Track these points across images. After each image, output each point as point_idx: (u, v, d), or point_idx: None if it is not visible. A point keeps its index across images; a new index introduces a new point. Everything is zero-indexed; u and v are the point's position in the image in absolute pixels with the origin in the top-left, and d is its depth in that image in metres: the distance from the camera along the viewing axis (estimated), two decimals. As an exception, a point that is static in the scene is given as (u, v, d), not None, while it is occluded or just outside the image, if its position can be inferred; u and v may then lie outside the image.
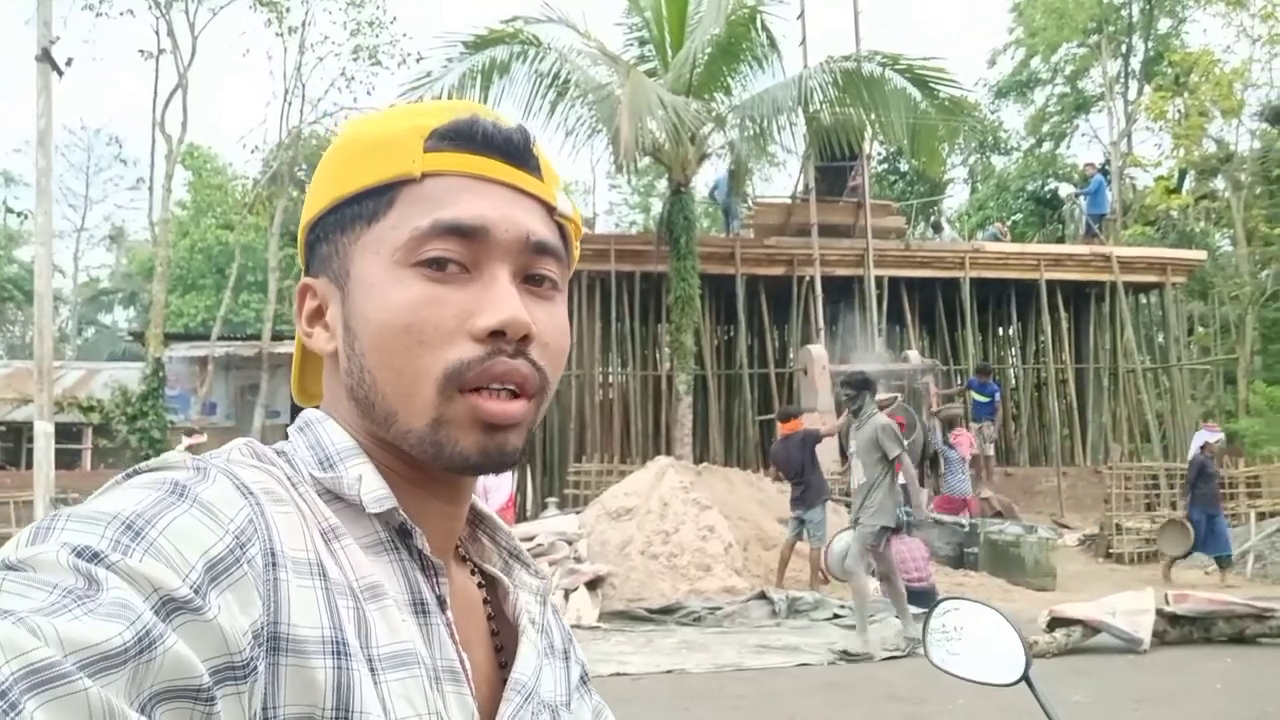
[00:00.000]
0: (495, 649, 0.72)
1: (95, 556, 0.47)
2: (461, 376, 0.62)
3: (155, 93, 19.21)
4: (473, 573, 0.75)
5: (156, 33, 19.08)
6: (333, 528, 0.61)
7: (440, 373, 0.62)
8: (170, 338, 18.53)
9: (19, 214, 19.06)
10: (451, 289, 0.63)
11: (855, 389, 7.62)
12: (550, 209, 0.69)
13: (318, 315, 0.70)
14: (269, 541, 0.55)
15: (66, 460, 16.53)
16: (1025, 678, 1.30)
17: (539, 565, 0.79)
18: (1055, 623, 7.18)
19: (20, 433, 18.17)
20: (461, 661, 0.64)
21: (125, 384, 16.82)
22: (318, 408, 0.71)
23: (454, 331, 0.63)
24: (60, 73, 9.79)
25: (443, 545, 0.70)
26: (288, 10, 19.91)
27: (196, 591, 0.48)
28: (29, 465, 10.97)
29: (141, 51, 19.53)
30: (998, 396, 15.21)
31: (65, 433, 15.98)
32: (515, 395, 0.64)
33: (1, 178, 33.10)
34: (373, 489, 0.64)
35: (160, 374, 16.64)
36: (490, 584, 0.76)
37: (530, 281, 0.67)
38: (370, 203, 0.66)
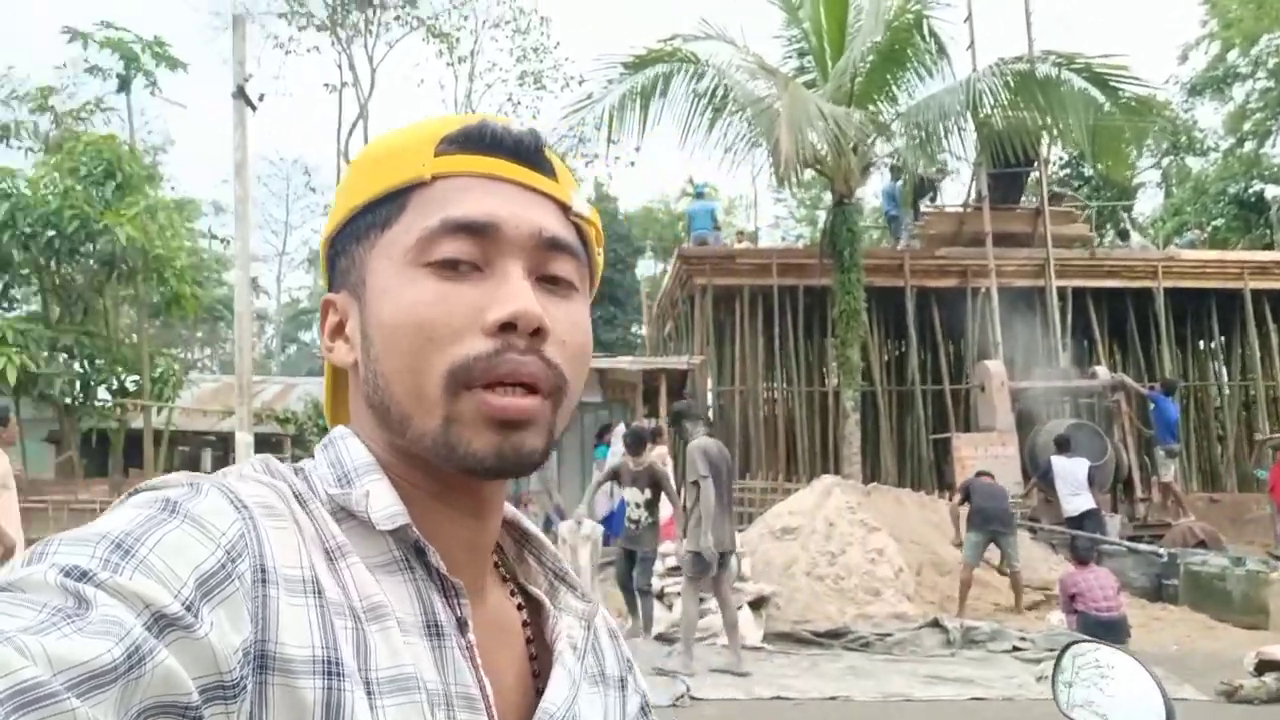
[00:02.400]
0: (533, 674, 0.70)
1: (84, 575, 0.47)
2: (468, 372, 0.61)
3: (339, 123, 20.40)
4: (513, 594, 0.73)
5: (339, 67, 20.28)
6: (339, 546, 0.60)
7: (446, 368, 0.61)
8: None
9: (222, 240, 20.61)
10: (463, 286, 0.63)
11: (673, 421, 8.10)
12: (565, 208, 0.68)
13: (339, 330, 0.69)
14: (260, 557, 0.54)
15: (265, 470, 17.72)
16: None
17: (585, 588, 0.76)
18: (1264, 666, 6.47)
19: (227, 442, 19.64)
20: (481, 687, 0.62)
21: (318, 398, 17.85)
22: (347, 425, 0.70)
23: (464, 328, 0.61)
24: (254, 108, 10.49)
25: (469, 561, 0.67)
26: (458, 41, 20.79)
27: (188, 608, 0.48)
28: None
29: (326, 85, 20.79)
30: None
31: (265, 443, 17.13)
32: (530, 392, 0.62)
33: (212, 207, 35.99)
34: (385, 505, 0.62)
35: (346, 389, 17.54)
36: (535, 607, 0.73)
37: (547, 280, 0.66)
38: (383, 210, 0.66)
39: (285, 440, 19.95)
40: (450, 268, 0.63)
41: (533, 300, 0.62)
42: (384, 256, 0.65)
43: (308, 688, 0.52)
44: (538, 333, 0.62)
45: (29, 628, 0.42)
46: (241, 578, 0.52)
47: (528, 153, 0.67)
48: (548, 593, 0.74)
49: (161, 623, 0.47)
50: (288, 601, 0.54)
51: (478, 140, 0.66)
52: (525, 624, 0.72)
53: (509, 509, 0.75)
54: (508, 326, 0.61)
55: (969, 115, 13.31)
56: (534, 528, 0.77)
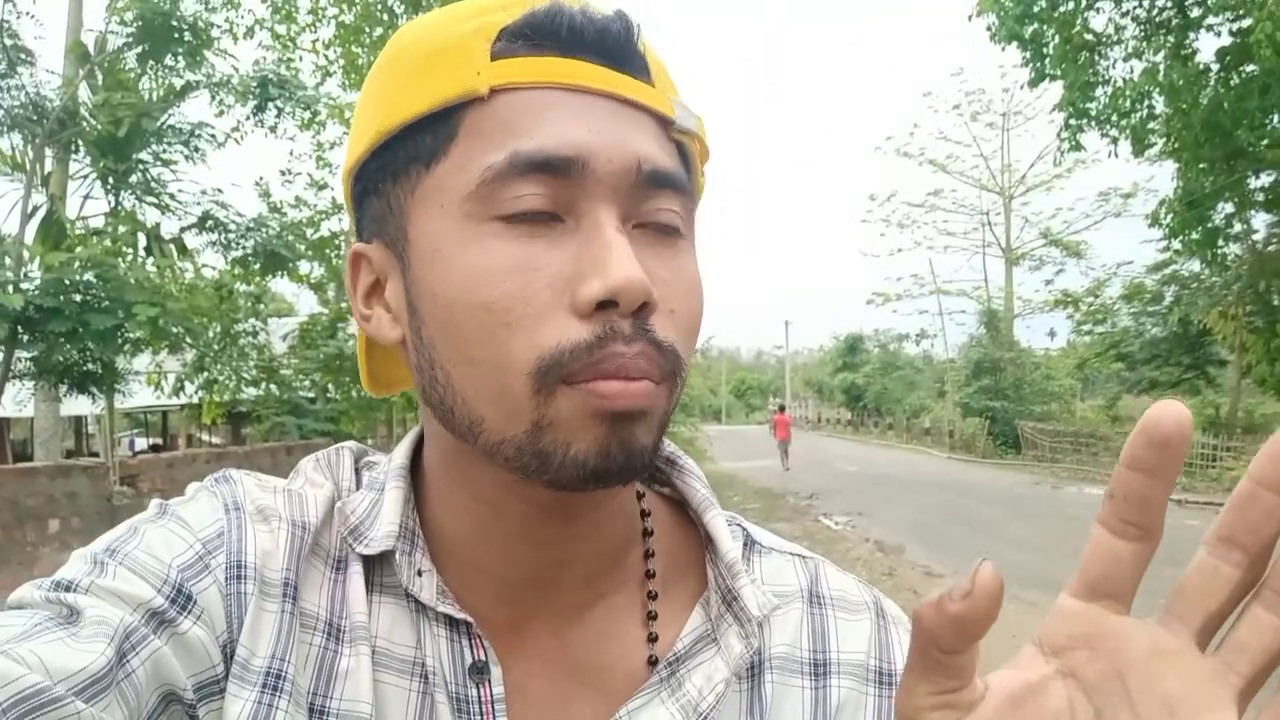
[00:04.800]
0: None
1: (70, 585, 0.47)
2: (564, 369, 0.47)
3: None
4: (652, 616, 0.57)
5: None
6: (344, 557, 0.56)
7: (534, 363, 0.47)
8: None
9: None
10: (543, 247, 0.49)
11: None
12: (666, 123, 0.53)
13: (376, 292, 0.56)
14: (239, 555, 0.52)
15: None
16: None
17: (756, 621, 0.56)
18: None
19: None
20: None
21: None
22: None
23: (550, 305, 0.48)
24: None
25: (544, 580, 0.56)
26: None
27: (172, 601, 0.49)
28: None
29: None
30: None
31: None
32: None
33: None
34: (383, 524, 0.55)
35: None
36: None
37: (646, 226, 0.51)
38: (426, 137, 0.51)
39: None
40: (525, 221, 0.48)
41: (635, 265, 0.47)
42: (432, 203, 0.50)
43: (242, 699, 0.49)
44: (643, 307, 0.48)
45: (20, 635, 0.43)
46: (214, 572, 0.51)
47: (617, 48, 0.51)
48: (715, 619, 0.57)
49: (150, 618, 0.47)
50: (259, 604, 0.51)
51: (549, 34, 0.50)
52: (653, 661, 0.56)
53: (697, 490, 0.61)
54: (607, 304, 0.47)
55: None
56: (717, 522, 0.59)
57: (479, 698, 0.53)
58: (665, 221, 0.51)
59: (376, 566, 0.56)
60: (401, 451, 0.59)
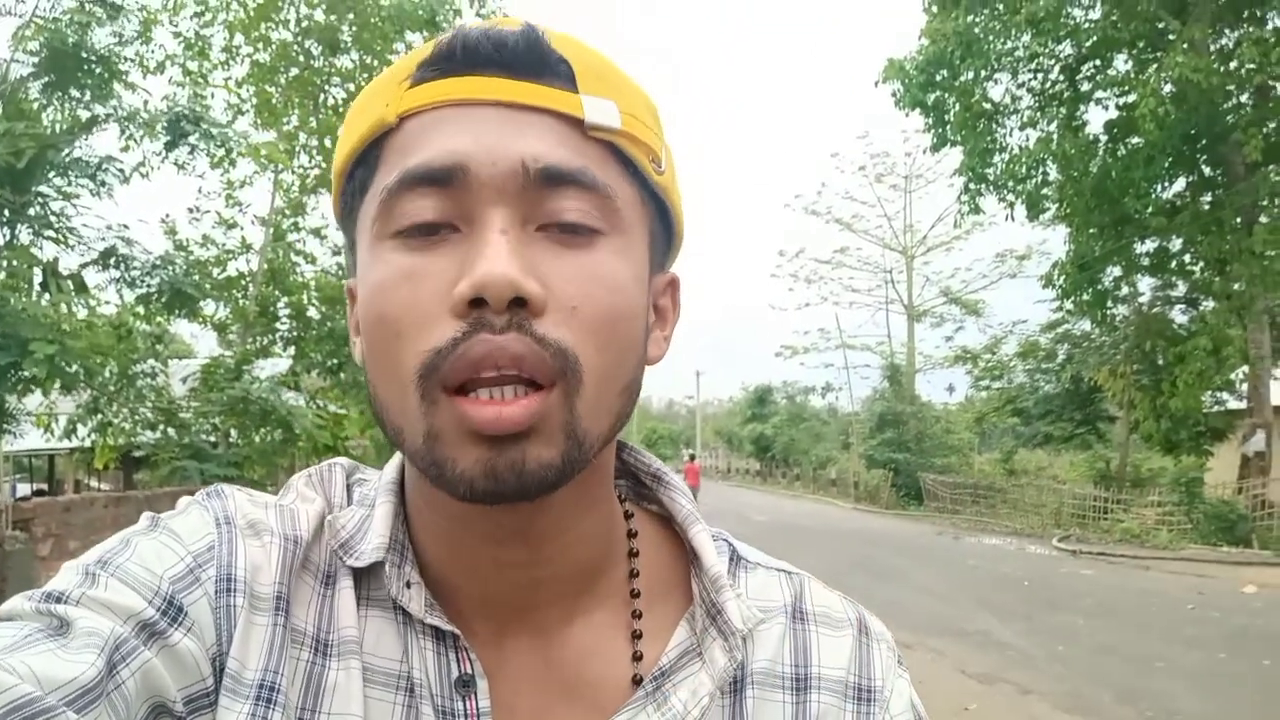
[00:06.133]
0: None
1: (61, 597, 0.47)
2: (438, 370, 0.48)
3: None
4: (636, 635, 0.58)
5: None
6: (333, 573, 0.56)
7: (417, 369, 0.48)
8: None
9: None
10: (434, 257, 0.49)
11: None
12: (577, 123, 0.51)
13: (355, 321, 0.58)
14: (229, 568, 0.52)
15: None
16: None
17: (740, 634, 0.57)
18: None
19: None
20: None
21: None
22: None
23: (434, 312, 0.48)
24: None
25: (512, 595, 0.57)
26: None
27: (163, 613, 0.49)
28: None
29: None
30: None
31: None
32: (528, 387, 0.48)
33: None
34: (373, 536, 0.56)
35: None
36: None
37: (550, 226, 0.50)
38: (360, 172, 0.54)
39: None
40: (419, 234, 0.50)
41: (504, 260, 0.47)
42: (363, 231, 0.53)
43: (234, 711, 0.49)
44: (519, 304, 0.47)
45: (13, 649, 0.43)
46: (204, 585, 0.51)
47: (516, 58, 0.51)
48: (700, 633, 0.58)
49: (140, 629, 0.47)
50: (249, 617, 0.51)
51: (448, 58, 0.52)
52: (638, 680, 0.56)
53: (683, 506, 0.62)
54: (480, 301, 0.47)
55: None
56: (701, 537, 0.60)
57: (465, 711, 0.53)
58: (570, 220, 0.50)
59: (365, 580, 0.57)
60: (392, 467, 0.60)
